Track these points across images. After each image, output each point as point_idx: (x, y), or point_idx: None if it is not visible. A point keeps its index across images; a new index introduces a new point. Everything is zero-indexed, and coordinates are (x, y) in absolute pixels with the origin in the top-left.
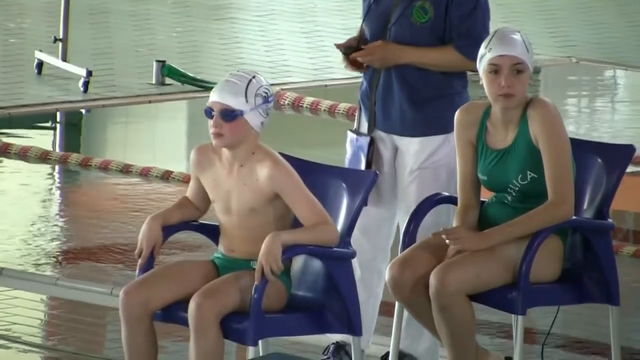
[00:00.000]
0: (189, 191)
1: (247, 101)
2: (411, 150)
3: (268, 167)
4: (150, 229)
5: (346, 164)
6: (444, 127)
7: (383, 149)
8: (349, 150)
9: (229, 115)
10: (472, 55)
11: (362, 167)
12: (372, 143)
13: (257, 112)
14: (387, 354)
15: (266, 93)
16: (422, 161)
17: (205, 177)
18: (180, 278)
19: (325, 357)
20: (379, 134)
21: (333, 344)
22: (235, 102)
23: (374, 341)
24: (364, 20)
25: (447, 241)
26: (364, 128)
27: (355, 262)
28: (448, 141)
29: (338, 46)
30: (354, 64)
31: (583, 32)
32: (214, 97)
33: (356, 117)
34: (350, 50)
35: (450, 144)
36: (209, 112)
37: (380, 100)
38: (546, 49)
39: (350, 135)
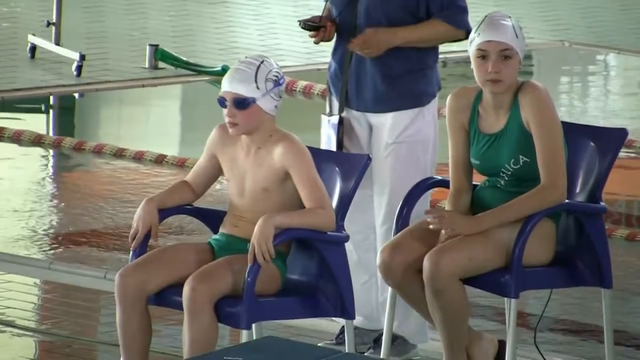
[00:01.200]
0: (193, 171)
1: (257, 87)
2: (387, 125)
3: (282, 146)
4: (146, 212)
5: (322, 147)
6: (418, 101)
7: (358, 128)
8: (323, 133)
9: (242, 103)
10: (459, 23)
11: (334, 147)
12: (341, 122)
13: (269, 97)
14: (380, 335)
15: (276, 76)
16: (396, 135)
17: (224, 155)
18: (175, 261)
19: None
20: (353, 113)
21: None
22: (246, 90)
23: (366, 324)
24: None
25: (430, 226)
26: (335, 109)
27: (349, 245)
28: (422, 115)
29: (300, 21)
30: (318, 36)
31: (576, 16)
32: (225, 86)
33: (327, 100)
34: (310, 26)
35: (424, 118)
36: (222, 102)
37: (353, 79)
38: (539, 32)
39: (324, 119)
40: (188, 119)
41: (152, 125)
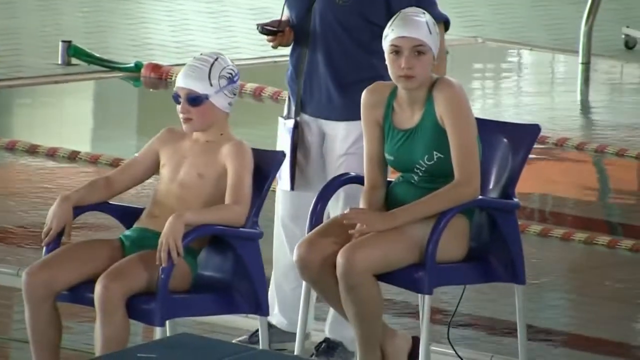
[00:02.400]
0: (124, 165)
1: (211, 84)
2: (339, 136)
3: (231, 145)
4: (61, 210)
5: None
6: None
7: (308, 133)
8: (279, 136)
9: (195, 100)
10: (437, 16)
11: (288, 150)
12: (296, 126)
13: (222, 94)
14: (321, 343)
15: (230, 74)
16: (348, 146)
17: (165, 149)
18: (84, 258)
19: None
20: (305, 118)
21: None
22: (200, 87)
23: (288, 326)
24: (286, 2)
25: (345, 221)
26: (292, 113)
27: (286, 247)
28: None
29: (258, 25)
30: (275, 40)
31: (489, 13)
32: (179, 82)
33: (286, 102)
34: (268, 31)
35: None
36: (176, 98)
37: (307, 84)
38: (452, 29)
39: (280, 121)
40: (101, 116)
41: (65, 121)
